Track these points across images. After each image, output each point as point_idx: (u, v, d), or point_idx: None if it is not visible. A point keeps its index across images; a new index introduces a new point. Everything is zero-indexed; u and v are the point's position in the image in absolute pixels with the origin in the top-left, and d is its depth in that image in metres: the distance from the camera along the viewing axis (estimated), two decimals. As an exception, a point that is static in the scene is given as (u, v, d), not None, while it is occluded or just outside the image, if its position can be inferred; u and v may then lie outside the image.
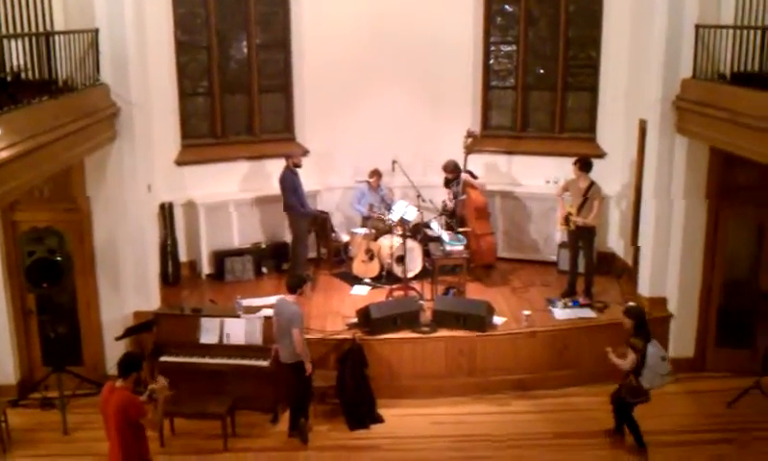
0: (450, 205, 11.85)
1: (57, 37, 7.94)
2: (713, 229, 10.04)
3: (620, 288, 11.03)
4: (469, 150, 11.96)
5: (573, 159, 10.70)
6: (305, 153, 12.38)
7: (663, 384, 8.48)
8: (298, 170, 11.36)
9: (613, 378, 8.75)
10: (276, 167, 11.58)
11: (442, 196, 12.09)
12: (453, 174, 11.89)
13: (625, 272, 11.54)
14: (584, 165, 10.57)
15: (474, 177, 11.96)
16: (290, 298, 8.79)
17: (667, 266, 10.26)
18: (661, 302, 10.34)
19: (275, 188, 11.59)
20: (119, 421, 6.54)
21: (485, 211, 11.85)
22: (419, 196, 11.34)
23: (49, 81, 7.73)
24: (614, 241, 12.08)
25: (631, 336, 8.36)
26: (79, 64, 8.60)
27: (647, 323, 8.50)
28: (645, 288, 10.47)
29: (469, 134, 12.02)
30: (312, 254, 12.40)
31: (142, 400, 6.79)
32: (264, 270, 11.99)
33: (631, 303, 9.10)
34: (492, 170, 12.54)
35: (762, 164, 8.41)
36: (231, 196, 12.14)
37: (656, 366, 8.25)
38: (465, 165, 11.90)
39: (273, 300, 10.60)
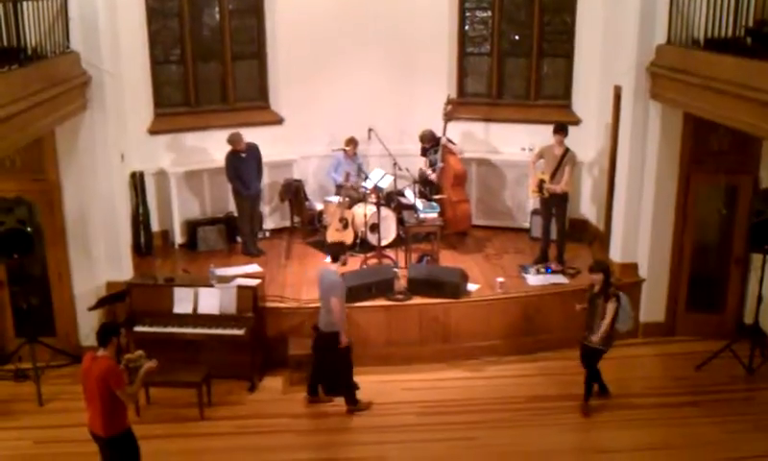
0: (431, 174, 11.83)
1: (25, 4, 7.79)
2: (685, 194, 10.12)
3: (592, 254, 11.12)
4: (449, 117, 11.95)
5: (553, 126, 10.68)
6: (279, 121, 12.34)
7: (630, 325, 8.79)
8: (256, 145, 11.41)
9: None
10: (249, 136, 11.44)
11: (418, 164, 12.09)
12: (430, 143, 11.88)
13: (597, 238, 11.64)
14: (566, 132, 10.62)
15: (452, 143, 11.96)
16: (332, 266, 8.78)
17: (638, 232, 10.36)
18: (633, 267, 10.44)
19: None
20: (101, 389, 6.53)
21: (463, 179, 11.87)
22: (395, 164, 11.32)
23: (17, 49, 7.59)
24: (587, 208, 12.16)
25: (600, 289, 8.55)
26: (48, 32, 8.45)
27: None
28: (617, 254, 10.58)
29: (449, 102, 12.00)
30: (285, 223, 12.38)
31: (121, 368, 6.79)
32: (238, 239, 11.93)
33: (597, 259, 9.21)
34: (467, 137, 12.53)
35: (735, 130, 8.51)
36: (204, 165, 12.03)
37: (626, 306, 8.62)
38: (444, 132, 11.89)
39: (247, 269, 10.69)
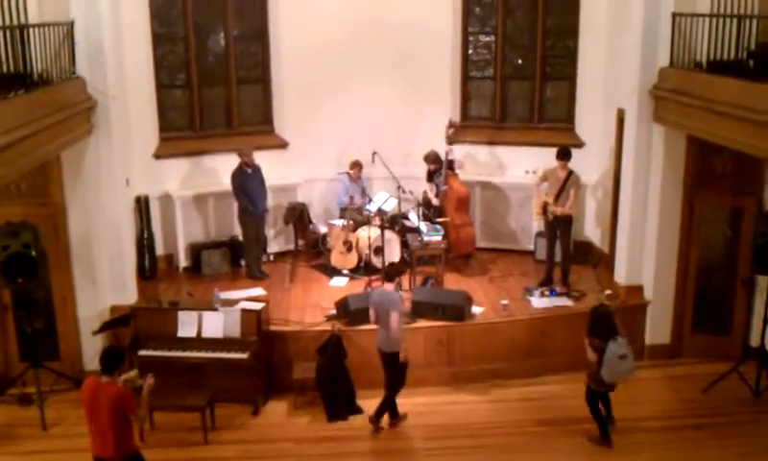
0: (434, 199, 11.85)
1: (31, 30, 7.84)
2: (689, 216, 10.11)
3: (597, 277, 11.11)
4: (451, 140, 12.00)
5: (556, 152, 10.72)
6: (284, 145, 12.40)
7: (625, 378, 8.49)
8: (259, 165, 11.46)
9: (592, 366, 8.77)
10: (254, 159, 11.52)
11: (422, 187, 12.13)
12: (435, 165, 11.91)
13: (601, 260, 11.62)
14: (569, 157, 10.67)
15: (451, 168, 11.97)
16: (389, 287, 8.83)
17: (643, 254, 10.34)
18: (638, 289, 10.40)
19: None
20: (113, 414, 6.50)
21: (466, 202, 11.88)
22: (399, 187, 11.35)
23: (24, 74, 7.64)
24: (591, 230, 12.16)
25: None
26: (54, 57, 8.51)
27: (610, 321, 8.47)
28: (621, 276, 10.56)
29: (451, 125, 12.05)
30: (290, 246, 12.41)
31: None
32: (242, 263, 11.94)
33: (603, 300, 8.87)
34: (471, 160, 12.57)
35: (738, 152, 8.52)
36: (209, 189, 12.06)
37: (613, 364, 8.26)
38: (446, 156, 11.92)
39: (251, 292, 10.67)
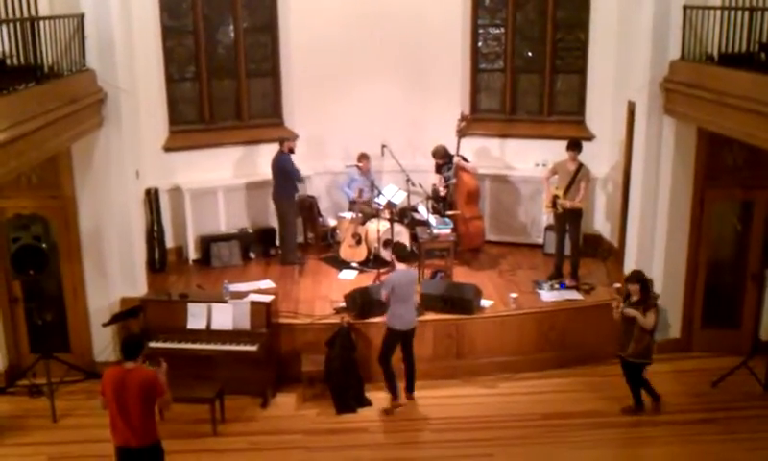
0: (443, 191, 11.85)
1: (42, 23, 7.86)
2: (699, 210, 10.06)
3: (606, 270, 11.07)
4: (463, 133, 11.98)
5: (567, 143, 10.70)
6: (293, 137, 12.39)
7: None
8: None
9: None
10: (263, 152, 11.57)
11: (432, 180, 12.11)
12: (443, 160, 11.90)
13: (611, 254, 11.59)
14: (580, 148, 10.64)
15: (466, 161, 11.97)
16: (404, 266, 9.10)
17: (653, 247, 10.30)
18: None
19: (262, 173, 11.69)
20: (143, 399, 6.50)
21: (476, 195, 11.87)
22: (408, 180, 11.34)
23: (34, 67, 7.66)
24: (601, 224, 12.13)
25: (638, 300, 8.64)
26: (64, 50, 8.53)
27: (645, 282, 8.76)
28: (631, 270, 10.47)
29: (463, 118, 12.04)
30: (300, 239, 12.43)
31: None
32: (251, 255, 11.98)
33: (634, 269, 9.24)
34: (480, 153, 12.54)
35: (749, 145, 8.48)
36: (218, 182, 12.08)
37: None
38: (458, 149, 11.91)
39: (261, 284, 10.70)
